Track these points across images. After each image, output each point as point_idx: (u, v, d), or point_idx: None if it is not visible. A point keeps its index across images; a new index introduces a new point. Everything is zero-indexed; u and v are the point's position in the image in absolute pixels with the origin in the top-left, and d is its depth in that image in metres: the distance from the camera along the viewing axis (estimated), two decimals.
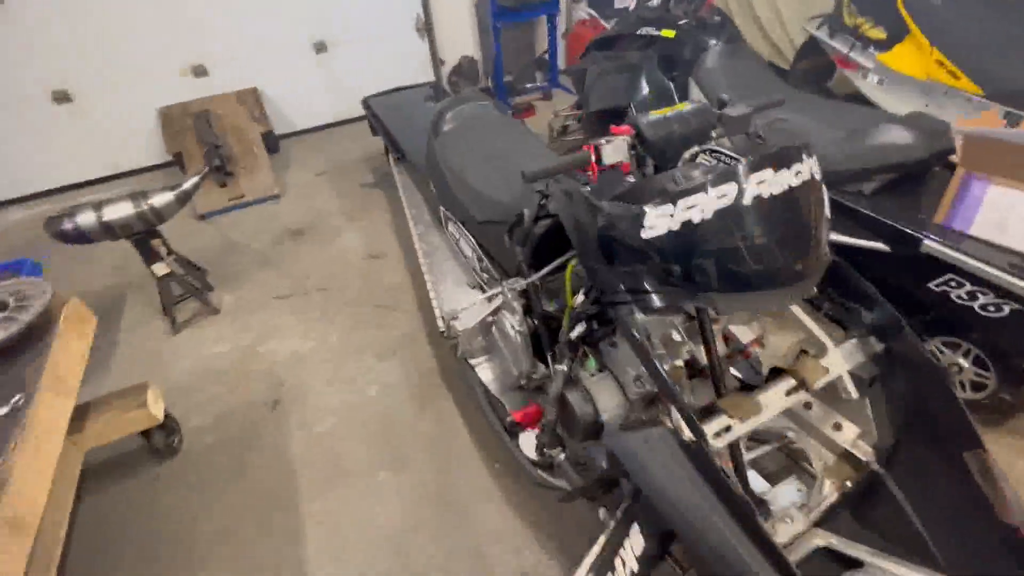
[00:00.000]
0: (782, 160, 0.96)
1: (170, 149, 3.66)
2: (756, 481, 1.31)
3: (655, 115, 1.10)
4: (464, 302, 1.96)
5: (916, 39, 2.66)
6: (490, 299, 1.64)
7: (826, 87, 3.57)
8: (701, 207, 0.93)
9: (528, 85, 4.74)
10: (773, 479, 1.46)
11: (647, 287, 1.01)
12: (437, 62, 4.52)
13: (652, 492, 0.98)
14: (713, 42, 2.51)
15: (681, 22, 2.61)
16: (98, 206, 2.09)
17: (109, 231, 2.11)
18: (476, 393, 1.75)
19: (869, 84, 2.91)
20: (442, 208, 2.19)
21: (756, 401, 1.10)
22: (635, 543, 1.06)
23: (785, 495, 1.29)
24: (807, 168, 0.99)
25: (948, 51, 2.51)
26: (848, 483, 1.24)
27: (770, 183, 0.94)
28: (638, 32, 2.79)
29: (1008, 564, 0.95)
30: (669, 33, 2.61)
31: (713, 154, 2.50)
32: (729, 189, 0.93)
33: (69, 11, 3.34)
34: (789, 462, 1.53)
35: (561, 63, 4.79)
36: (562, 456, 1.40)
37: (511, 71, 4.64)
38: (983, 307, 1.55)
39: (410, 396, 2.02)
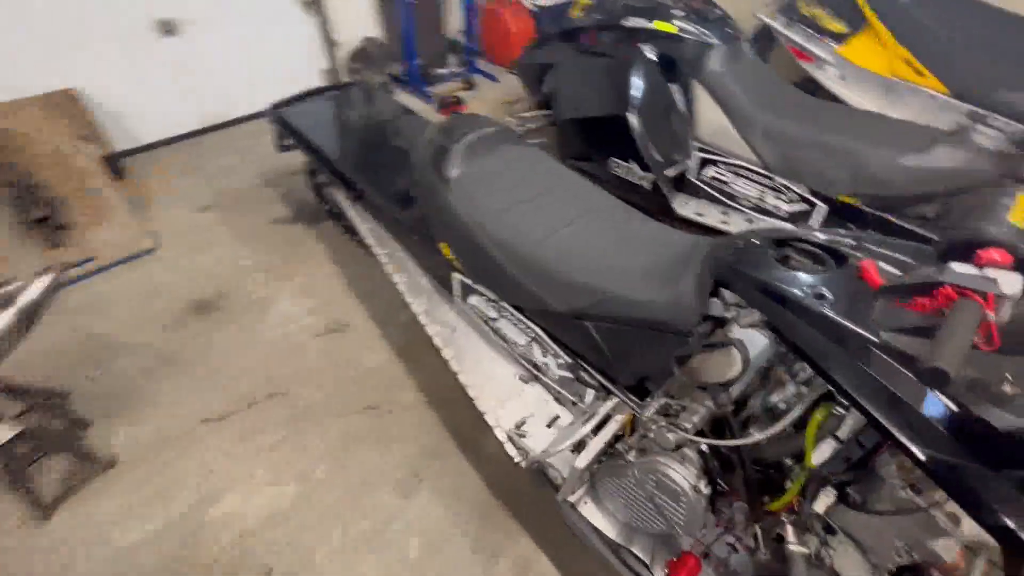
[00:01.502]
0: None
1: None
2: None
3: (1018, 221, 0.73)
4: (526, 407, 1.46)
5: (878, 34, 2.66)
6: (601, 428, 1.19)
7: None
8: None
9: (442, 71, 4.06)
10: None
11: None
12: (331, 44, 3.62)
13: None
14: (716, 40, 2.21)
15: (678, 13, 2.26)
16: None
17: None
18: (592, 545, 1.30)
19: (830, 77, 2.88)
20: (458, 277, 1.62)
21: None
22: None
23: None
24: None
25: (915, 49, 2.53)
26: None
27: None
28: (622, 23, 2.37)
29: None
30: (669, 27, 2.24)
31: (727, 167, 2.25)
32: None
33: None
34: None
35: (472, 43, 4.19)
36: None
37: (420, 55, 3.92)
38: None
39: (472, 547, 1.49)
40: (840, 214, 1.98)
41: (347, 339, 2.06)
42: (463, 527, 1.53)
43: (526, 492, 1.58)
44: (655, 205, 2.36)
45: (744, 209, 2.25)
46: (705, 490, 1.05)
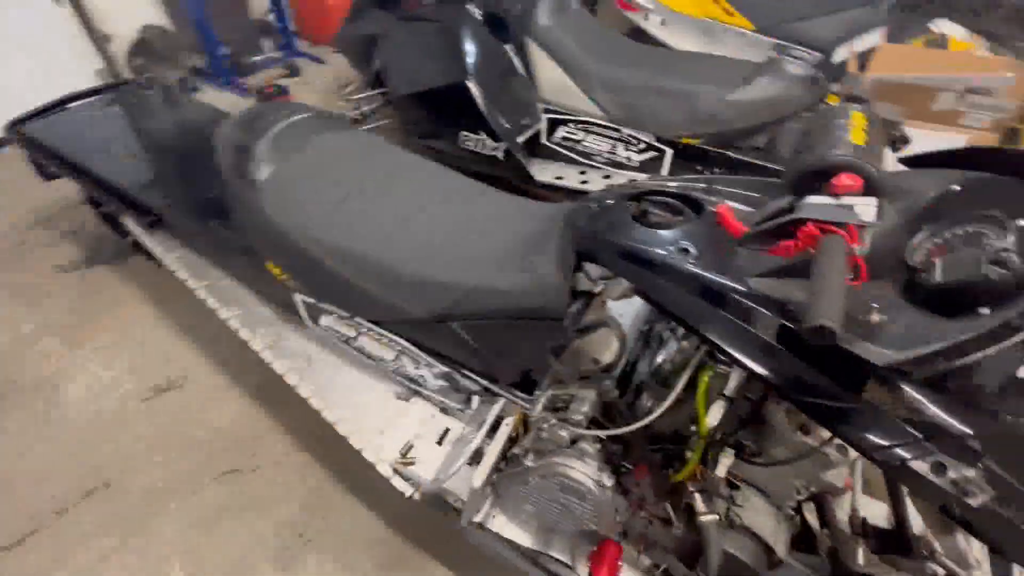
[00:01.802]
0: None
1: None
2: (876, 509, 1.18)
3: (861, 143, 0.67)
4: (409, 429, 1.29)
5: None
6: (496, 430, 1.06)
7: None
8: None
9: (256, 59, 3.54)
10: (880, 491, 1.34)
11: (966, 430, 0.65)
12: (99, 39, 2.94)
13: None
14: None
15: None
16: None
17: None
18: (509, 560, 1.18)
19: (653, 24, 2.96)
20: (300, 297, 1.36)
21: None
22: None
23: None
24: None
25: None
26: None
27: None
28: None
29: None
30: None
31: (576, 125, 2.21)
32: None
33: None
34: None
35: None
36: None
37: (226, 42, 3.37)
38: None
39: None
40: (686, 156, 2.02)
41: (185, 397, 1.69)
42: None
43: (435, 519, 1.41)
44: (514, 175, 2.24)
45: (600, 166, 2.23)
46: (608, 481, 0.96)
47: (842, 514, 1.01)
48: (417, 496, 1.21)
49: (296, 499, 1.46)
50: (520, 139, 2.20)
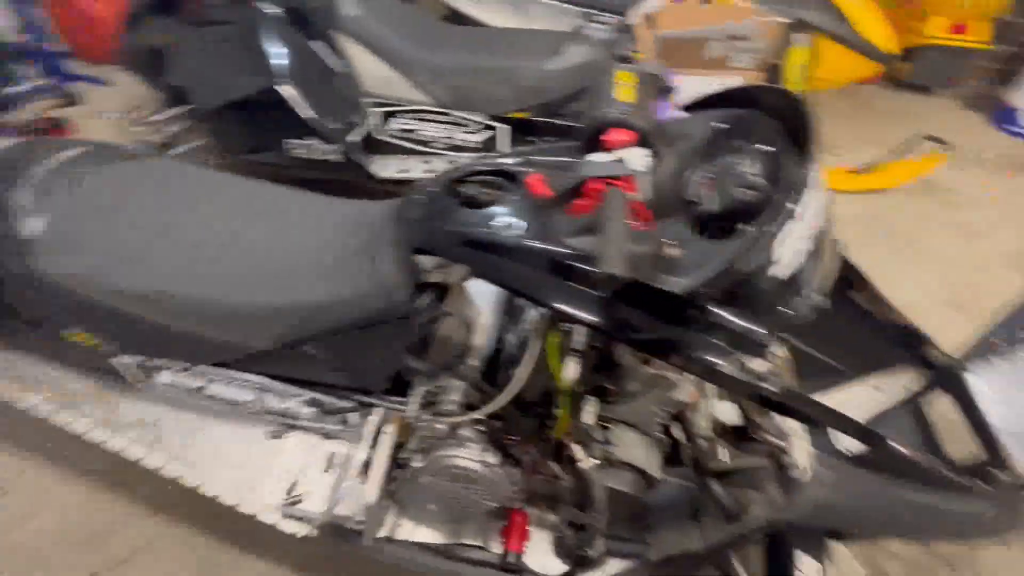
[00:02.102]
0: (805, 112, 0.82)
1: None
2: (729, 411, 1.36)
3: (631, 100, 0.74)
4: (291, 468, 1.21)
5: None
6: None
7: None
8: (813, 202, 0.71)
9: (16, 90, 2.94)
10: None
11: (754, 329, 0.76)
12: None
13: (858, 519, 0.85)
14: None
15: None
16: None
17: None
18: (423, 564, 1.17)
19: (463, 3, 2.98)
20: (121, 360, 1.19)
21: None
22: (808, 568, 0.94)
23: None
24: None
25: None
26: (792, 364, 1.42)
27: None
28: None
29: (897, 351, 1.28)
30: None
31: (410, 115, 2.18)
32: (818, 170, 0.74)
33: None
34: None
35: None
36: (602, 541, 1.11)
37: None
38: None
39: None
40: (520, 130, 2.08)
41: (8, 512, 1.40)
42: None
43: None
44: (355, 175, 2.15)
45: (442, 152, 2.22)
46: (494, 459, 0.99)
47: (705, 422, 1.15)
48: (313, 532, 1.15)
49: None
50: (352, 138, 2.11)
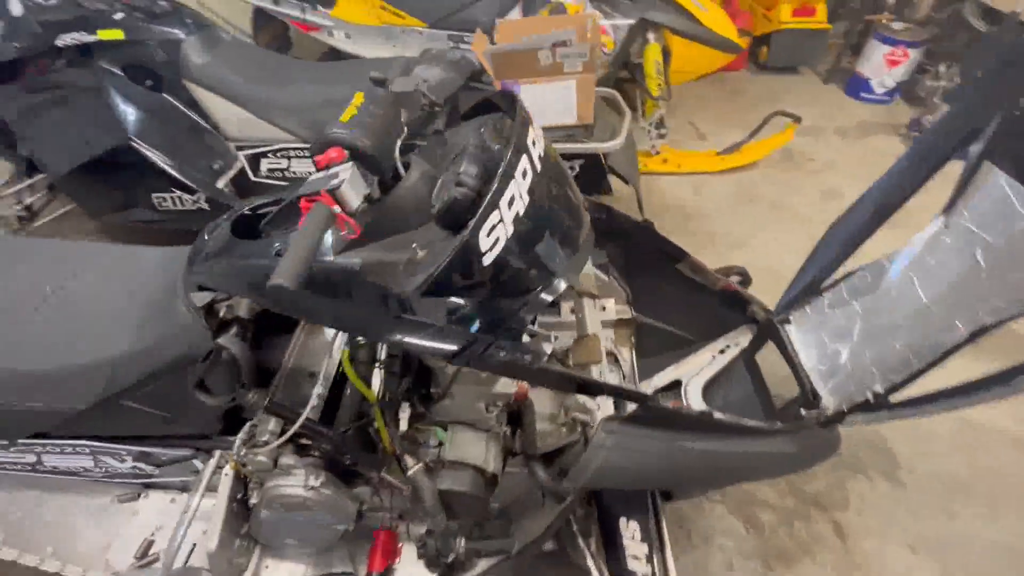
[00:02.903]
0: (518, 107, 0.89)
1: None
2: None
3: (348, 119, 0.79)
4: (136, 529, 1.18)
5: None
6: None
7: (296, 56, 3.54)
8: (518, 194, 0.77)
9: None
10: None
11: (507, 309, 0.81)
12: None
13: (640, 475, 0.91)
14: (182, 34, 2.00)
15: (118, 16, 1.93)
16: None
17: None
18: None
19: (340, 40, 3.03)
20: None
21: (594, 335, 1.14)
22: (632, 531, 0.99)
23: (612, 381, 1.46)
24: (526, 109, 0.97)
25: None
26: (631, 339, 1.52)
27: (536, 138, 0.87)
28: (57, 44, 1.92)
29: (733, 313, 1.39)
30: (116, 34, 1.90)
31: (279, 154, 2.18)
32: (525, 163, 0.80)
33: None
34: None
35: None
36: (463, 544, 1.13)
37: None
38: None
39: None
40: None
41: None
42: None
43: None
44: None
45: None
46: (316, 482, 0.99)
47: (543, 408, 1.19)
48: None
49: None
50: (221, 184, 2.09)
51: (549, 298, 0.84)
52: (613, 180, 2.23)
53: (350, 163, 0.71)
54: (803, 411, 1.16)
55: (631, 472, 0.89)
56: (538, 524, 1.11)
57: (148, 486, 1.25)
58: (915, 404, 1.00)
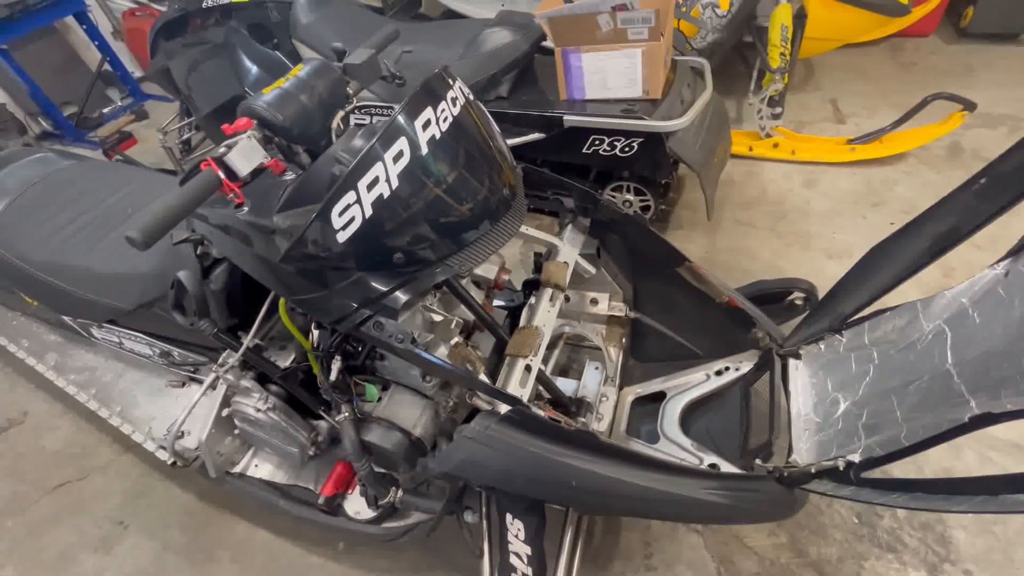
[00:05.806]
0: (434, 94, 0.88)
1: None
2: (566, 385, 1.38)
3: (269, 93, 0.86)
4: (175, 411, 1.46)
5: None
6: (208, 391, 1.24)
7: (421, 13, 3.71)
8: (384, 177, 0.78)
9: (106, 111, 3.65)
10: (575, 373, 1.58)
11: (378, 288, 0.84)
12: None
13: (506, 477, 0.89)
14: None
15: None
16: None
17: None
18: (263, 498, 1.36)
19: (458, 1, 3.10)
20: (66, 317, 1.53)
21: (535, 328, 1.10)
22: (516, 529, 0.98)
23: (592, 379, 1.40)
24: (458, 92, 0.95)
25: None
26: (623, 339, 1.42)
27: (435, 121, 0.86)
28: (203, 5, 2.30)
29: (733, 327, 1.22)
30: None
31: (363, 111, 2.35)
32: (402, 146, 0.81)
33: None
34: (574, 351, 1.67)
35: (132, 68, 3.80)
36: (400, 494, 1.21)
37: (69, 101, 3.48)
38: (621, 150, 1.88)
39: (188, 559, 1.49)
40: None
41: (24, 431, 1.86)
42: (175, 547, 1.51)
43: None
44: None
45: None
46: (264, 406, 1.14)
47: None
48: (180, 464, 1.39)
49: (119, 494, 1.65)
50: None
51: (429, 283, 0.84)
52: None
53: (246, 133, 0.78)
54: (758, 461, 1.00)
55: (498, 472, 0.87)
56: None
57: (192, 379, 1.54)
58: (885, 487, 0.81)
